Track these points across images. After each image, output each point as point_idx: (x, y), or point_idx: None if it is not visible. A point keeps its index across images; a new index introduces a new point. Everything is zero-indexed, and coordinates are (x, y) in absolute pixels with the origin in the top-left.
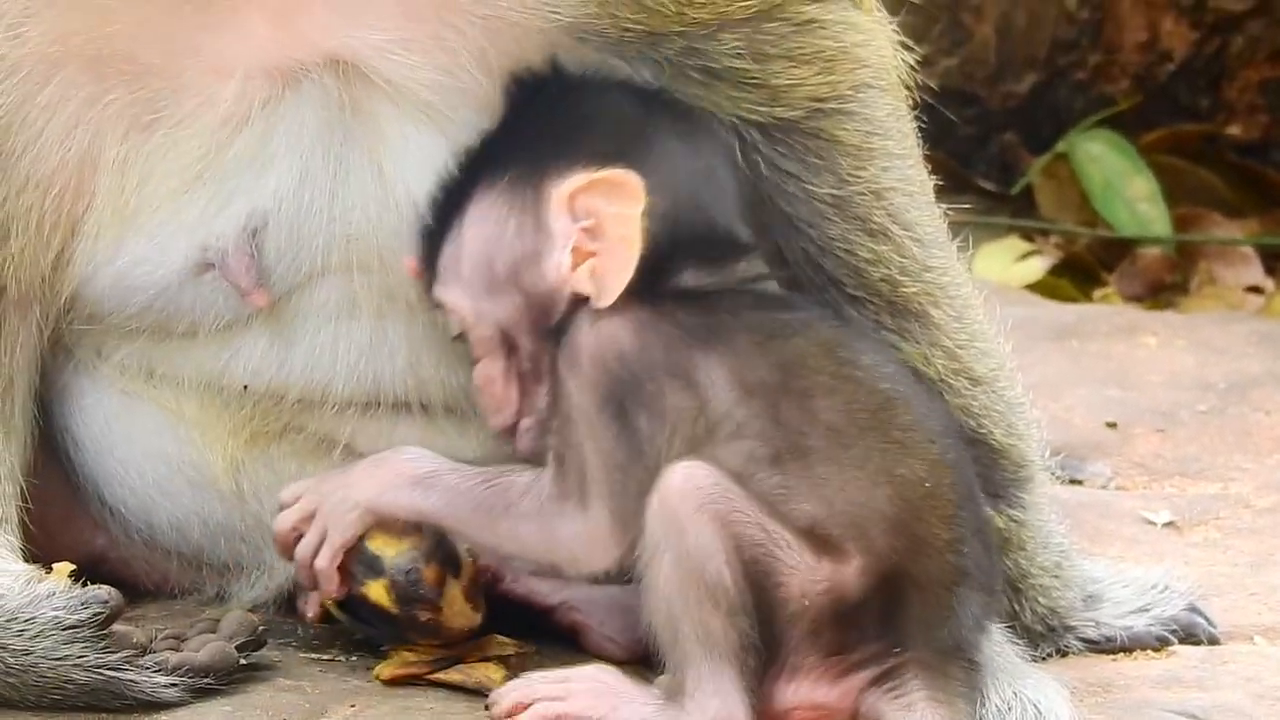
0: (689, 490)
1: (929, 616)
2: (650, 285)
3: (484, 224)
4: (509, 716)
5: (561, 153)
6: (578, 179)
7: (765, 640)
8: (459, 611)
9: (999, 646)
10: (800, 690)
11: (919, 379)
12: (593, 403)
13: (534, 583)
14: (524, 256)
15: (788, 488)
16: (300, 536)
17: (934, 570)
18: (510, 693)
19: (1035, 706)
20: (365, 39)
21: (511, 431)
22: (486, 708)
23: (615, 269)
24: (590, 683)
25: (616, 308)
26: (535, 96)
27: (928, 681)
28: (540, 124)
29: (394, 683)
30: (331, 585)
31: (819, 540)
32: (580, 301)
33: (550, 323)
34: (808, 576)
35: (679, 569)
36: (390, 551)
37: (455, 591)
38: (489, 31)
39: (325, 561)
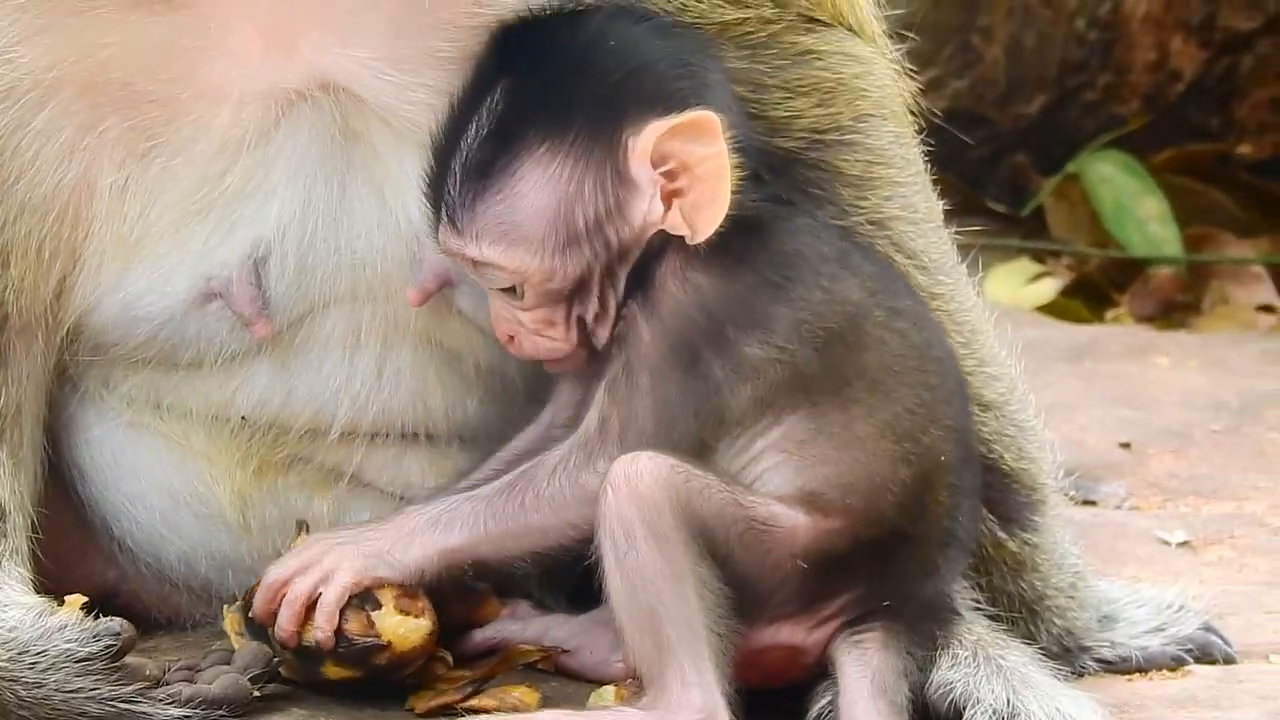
0: (647, 482)
1: (915, 572)
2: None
3: (555, 183)
4: None
5: (626, 102)
6: (657, 126)
7: (751, 595)
8: (407, 631)
9: (1032, 665)
10: (779, 633)
11: (937, 327)
12: (664, 350)
13: (509, 627)
14: (607, 209)
15: (813, 448)
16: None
17: (930, 533)
18: None
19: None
20: (356, 57)
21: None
22: None
23: (709, 206)
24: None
25: (700, 255)
26: (548, 42)
27: (887, 627)
28: (582, 74)
29: (429, 715)
30: (325, 619)
31: (819, 502)
32: (660, 243)
33: (627, 266)
34: (800, 539)
35: (651, 552)
36: (308, 634)
37: (391, 619)
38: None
39: (329, 600)
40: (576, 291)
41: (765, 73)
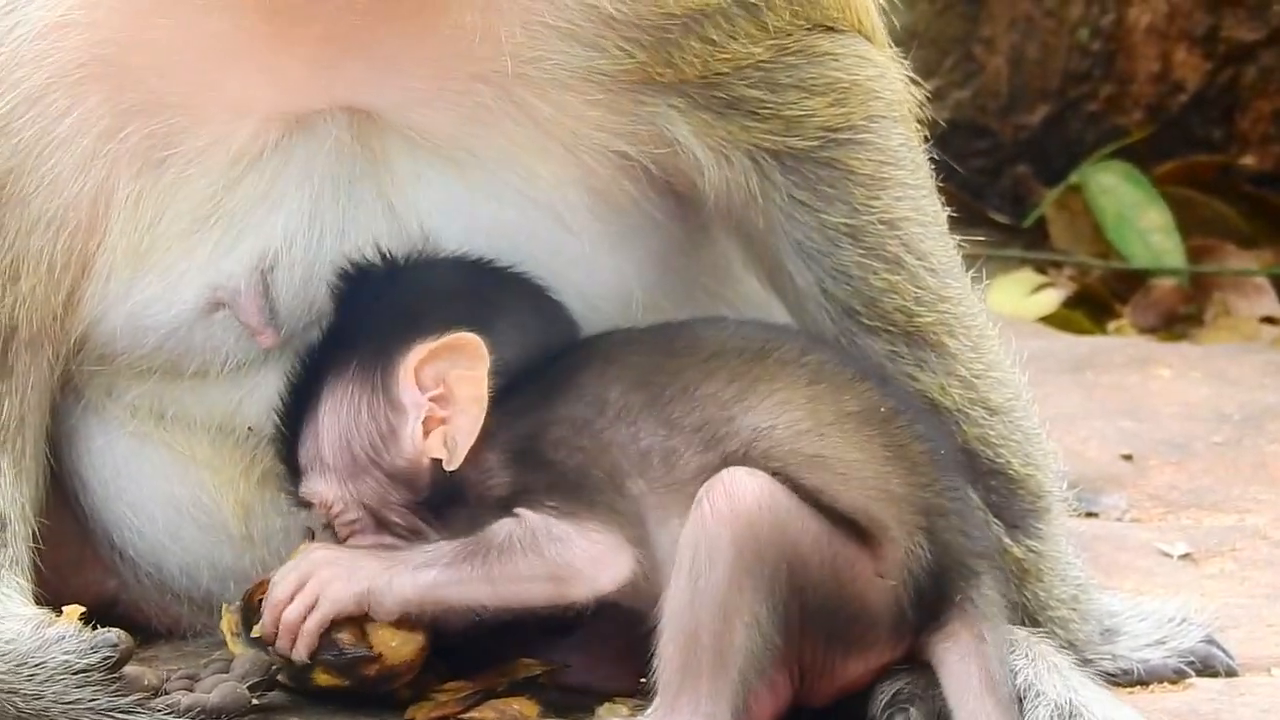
0: (748, 502)
1: (963, 544)
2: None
3: (338, 410)
4: None
5: (402, 329)
6: (421, 349)
7: (838, 628)
8: (399, 644)
9: (1076, 669)
10: (869, 661)
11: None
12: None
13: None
14: (380, 435)
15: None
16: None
17: (944, 524)
18: None
19: None
20: (395, 92)
21: None
22: None
23: (464, 430)
24: None
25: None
26: (364, 285)
27: (968, 612)
28: (377, 308)
29: None
30: (304, 647)
31: (861, 529)
32: (440, 468)
33: (420, 494)
34: (871, 559)
35: (725, 581)
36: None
37: (383, 631)
38: (523, 83)
39: (313, 623)
40: (378, 522)
41: (783, 72)
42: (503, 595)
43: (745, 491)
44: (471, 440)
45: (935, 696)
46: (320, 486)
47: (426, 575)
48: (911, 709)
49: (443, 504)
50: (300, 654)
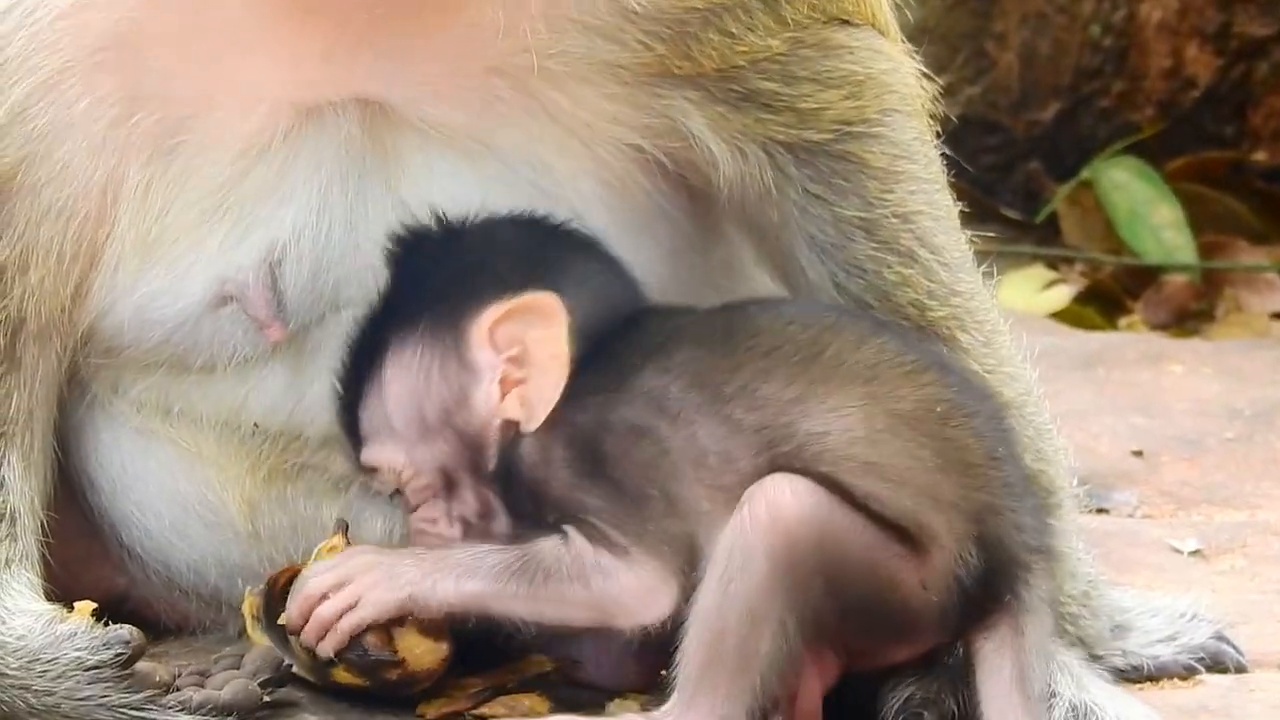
0: (790, 515)
1: (1015, 541)
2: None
3: (406, 374)
4: None
5: (472, 290)
6: (494, 310)
7: (880, 627)
8: (423, 651)
9: (1086, 668)
10: (915, 648)
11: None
12: (571, 480)
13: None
14: (453, 398)
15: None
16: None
17: (995, 485)
18: None
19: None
20: (409, 85)
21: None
22: None
23: (545, 390)
24: None
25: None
26: (423, 248)
27: (1011, 607)
28: (442, 269)
29: None
30: (332, 645)
31: (910, 536)
32: (512, 431)
33: (488, 463)
34: (916, 568)
35: (757, 589)
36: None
37: (411, 637)
38: (542, 76)
39: (349, 624)
40: (449, 489)
41: (798, 64)
42: (545, 615)
43: (787, 502)
44: (552, 402)
45: (946, 700)
46: (389, 452)
47: (470, 584)
48: (925, 713)
49: (508, 482)
50: (326, 650)
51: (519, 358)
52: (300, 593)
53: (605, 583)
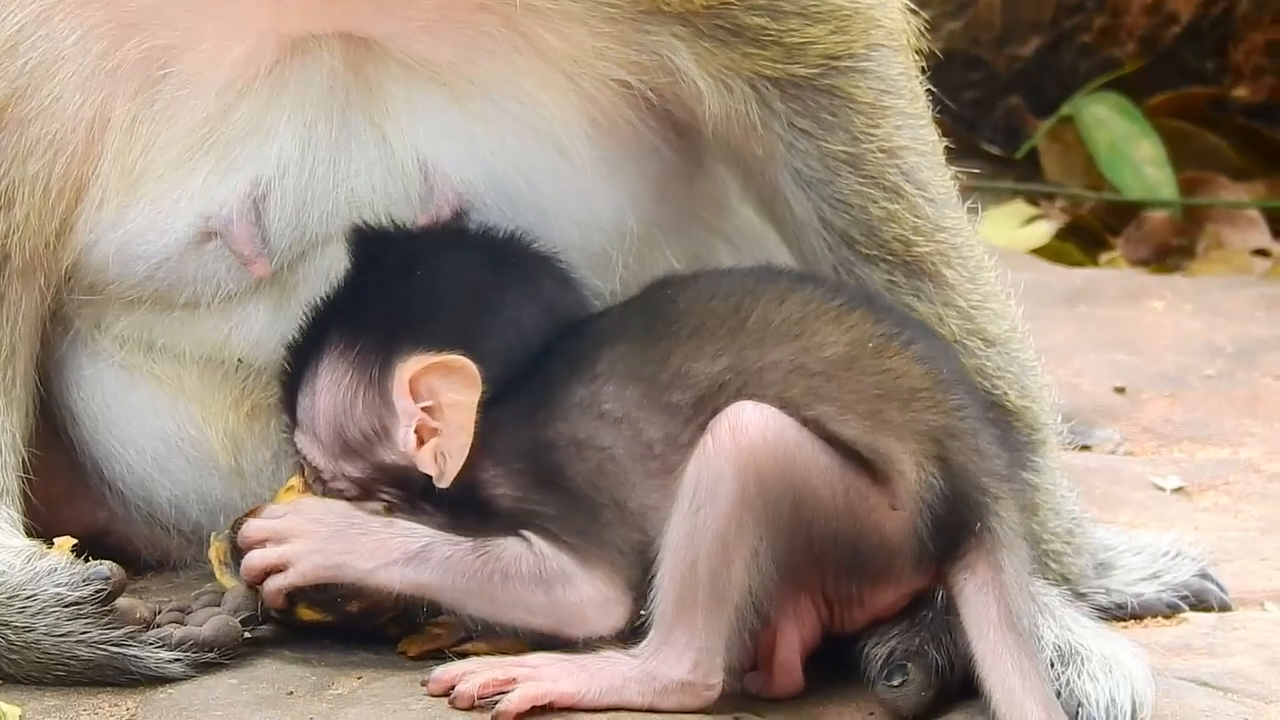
0: (751, 436)
1: (980, 466)
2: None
3: (335, 392)
4: (481, 698)
5: (406, 332)
6: (418, 360)
7: (858, 561)
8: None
9: (1068, 606)
10: (898, 589)
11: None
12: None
13: None
14: (373, 430)
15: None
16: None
17: (957, 446)
18: (471, 675)
19: (1105, 659)
20: (396, 20)
21: None
22: (446, 694)
23: (455, 452)
24: (557, 664)
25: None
26: (380, 258)
27: (987, 540)
28: (390, 291)
29: (421, 658)
30: (270, 603)
31: (867, 462)
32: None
33: (415, 487)
34: (881, 493)
35: (725, 514)
36: None
37: None
38: (530, 13)
39: (274, 587)
40: (367, 495)
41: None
42: (500, 616)
43: (750, 422)
44: (460, 464)
45: (930, 652)
46: (312, 452)
47: (421, 575)
48: (910, 665)
49: (443, 497)
50: (269, 604)
51: (434, 411)
52: (241, 536)
53: (566, 591)
